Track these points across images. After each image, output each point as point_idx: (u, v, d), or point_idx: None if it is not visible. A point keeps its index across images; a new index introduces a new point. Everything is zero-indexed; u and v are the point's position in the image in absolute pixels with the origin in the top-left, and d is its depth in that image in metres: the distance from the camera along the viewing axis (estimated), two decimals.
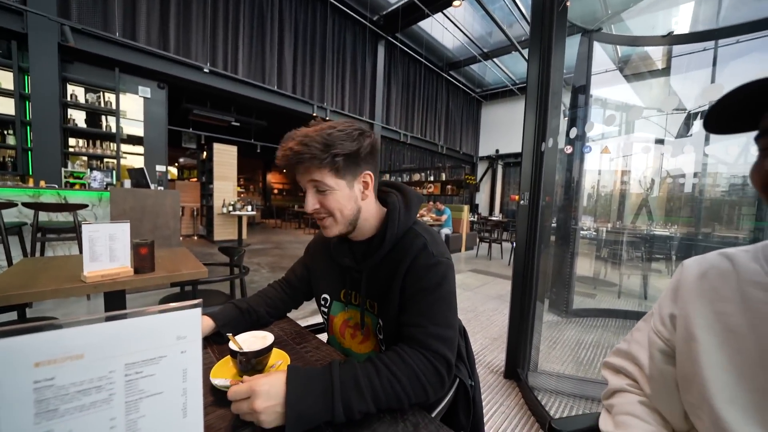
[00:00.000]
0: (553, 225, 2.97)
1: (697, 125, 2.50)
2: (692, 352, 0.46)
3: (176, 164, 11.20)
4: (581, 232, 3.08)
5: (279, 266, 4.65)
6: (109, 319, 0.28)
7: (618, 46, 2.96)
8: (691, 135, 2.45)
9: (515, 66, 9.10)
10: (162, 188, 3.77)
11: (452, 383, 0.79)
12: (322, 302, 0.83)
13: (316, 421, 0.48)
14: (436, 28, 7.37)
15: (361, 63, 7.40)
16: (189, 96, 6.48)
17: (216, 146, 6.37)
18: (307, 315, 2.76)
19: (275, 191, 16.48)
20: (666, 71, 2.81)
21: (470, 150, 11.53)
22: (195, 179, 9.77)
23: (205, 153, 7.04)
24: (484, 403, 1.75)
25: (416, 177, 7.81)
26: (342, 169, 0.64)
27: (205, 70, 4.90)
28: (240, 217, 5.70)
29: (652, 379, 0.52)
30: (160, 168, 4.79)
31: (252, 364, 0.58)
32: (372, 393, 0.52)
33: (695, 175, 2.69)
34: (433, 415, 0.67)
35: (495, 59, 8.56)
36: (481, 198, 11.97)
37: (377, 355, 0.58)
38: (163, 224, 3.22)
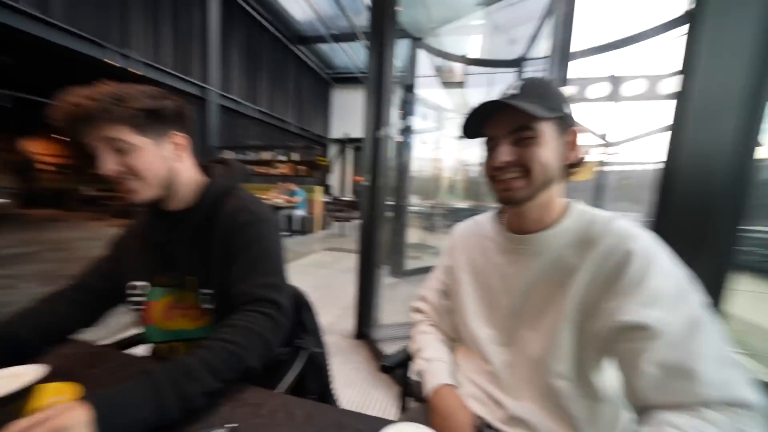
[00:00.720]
0: (389, 202, 3.48)
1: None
2: (457, 287, 0.70)
3: None
4: (410, 208, 3.76)
5: (61, 275, 3.27)
6: None
7: (434, 57, 3.66)
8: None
9: (362, 54, 9.63)
10: None
11: (299, 355, 0.82)
12: (138, 291, 0.71)
13: (141, 428, 0.43)
14: None
15: (186, 10, 5.89)
16: None
17: None
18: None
19: (49, 168, 11.17)
20: (464, 84, 3.75)
21: (321, 131, 11.61)
22: None
23: None
24: (338, 364, 1.92)
25: (265, 156, 7.17)
26: (144, 126, 0.59)
27: None
28: None
29: (435, 308, 0.78)
30: None
31: (10, 412, 0.39)
32: (208, 368, 0.50)
33: (480, 163, 3.79)
34: (281, 388, 0.69)
35: (344, 44, 8.76)
36: (334, 179, 12.43)
37: (214, 333, 0.56)
38: None
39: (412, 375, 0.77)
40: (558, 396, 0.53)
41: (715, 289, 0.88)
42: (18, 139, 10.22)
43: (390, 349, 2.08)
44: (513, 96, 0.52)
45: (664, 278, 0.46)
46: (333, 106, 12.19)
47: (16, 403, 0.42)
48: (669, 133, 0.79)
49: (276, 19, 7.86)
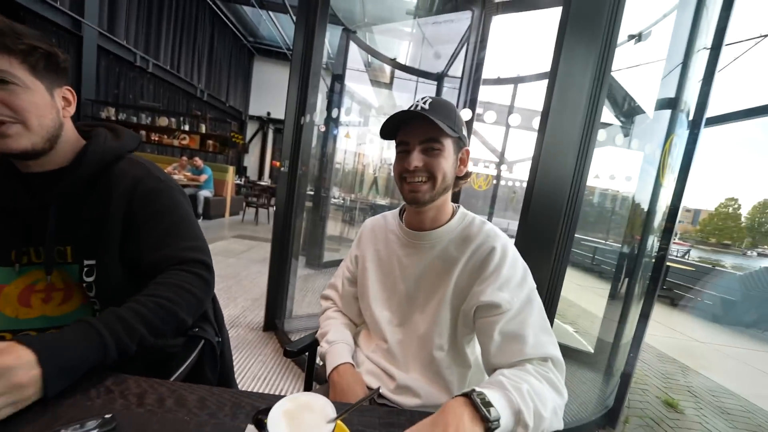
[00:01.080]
0: (309, 192, 3.41)
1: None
2: (364, 275, 0.79)
3: None
4: (331, 200, 3.76)
5: None
6: None
7: (366, 53, 3.72)
8: None
9: (290, 28, 8.98)
10: None
11: (196, 344, 0.77)
12: None
13: (84, 368, 0.45)
14: None
15: None
16: None
17: None
18: None
19: None
20: (391, 85, 3.91)
21: (239, 105, 10.43)
22: None
23: None
24: (245, 357, 1.82)
25: (163, 122, 6.03)
26: (38, 68, 0.54)
27: None
28: None
29: (343, 297, 0.85)
30: None
31: None
32: (141, 319, 0.52)
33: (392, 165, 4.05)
34: (172, 378, 0.64)
35: (271, 12, 8.00)
36: (250, 161, 11.36)
37: (138, 293, 0.56)
38: None
39: (318, 360, 0.83)
40: (438, 365, 0.66)
41: (556, 278, 1.19)
42: None
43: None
44: (426, 111, 0.60)
45: (512, 269, 0.61)
46: (254, 79, 11.06)
47: None
48: (531, 160, 1.04)
49: None
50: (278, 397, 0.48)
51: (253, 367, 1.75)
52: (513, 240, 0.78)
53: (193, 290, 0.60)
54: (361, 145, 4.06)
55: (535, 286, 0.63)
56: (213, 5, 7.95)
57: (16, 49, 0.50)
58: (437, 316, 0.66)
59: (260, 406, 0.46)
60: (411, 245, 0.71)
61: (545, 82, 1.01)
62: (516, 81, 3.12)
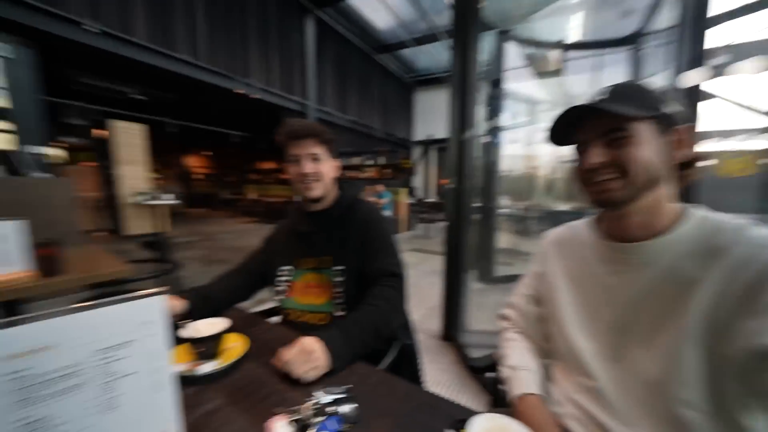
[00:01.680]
0: (476, 205, 3.36)
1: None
2: (552, 295, 0.67)
3: (62, 144, 9.09)
4: (499, 210, 3.55)
5: (213, 259, 4.31)
6: (75, 310, 0.31)
7: (525, 48, 3.38)
8: None
9: (444, 54, 9.55)
10: (46, 175, 3.12)
11: (393, 345, 0.92)
12: (285, 273, 0.96)
13: (347, 358, 0.66)
14: (367, 7, 7.26)
15: (290, 38, 6.94)
16: (71, 60, 5.26)
17: (117, 124, 5.40)
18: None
19: (199, 176, 14.71)
20: (562, 72, 3.33)
21: (405, 135, 11.92)
22: (92, 163, 8.14)
23: (104, 132, 5.90)
24: (425, 363, 1.99)
25: (354, 160, 7.85)
26: (330, 150, 0.92)
27: (89, 27, 4.03)
28: (158, 207, 5.04)
29: (523, 316, 0.76)
30: (35, 149, 3.87)
31: (209, 348, 0.61)
32: (374, 328, 0.73)
33: (571, 170, 3.32)
34: (379, 367, 0.80)
35: (425, 46, 8.86)
36: (418, 181, 12.60)
37: (364, 300, 0.79)
38: (54, 219, 2.70)
39: (501, 383, 0.78)
40: (686, 429, 0.47)
41: None
42: (180, 156, 13.77)
43: (478, 355, 2.03)
44: (603, 100, 0.50)
45: None
46: (416, 109, 12.38)
47: (216, 341, 0.64)
48: None
49: (361, 32, 8.47)
50: (470, 411, 0.50)
51: (435, 374, 1.87)
52: None
53: (396, 303, 0.81)
54: (530, 146, 3.65)
55: None
56: (379, 58, 9.66)
57: (324, 140, 0.89)
58: (675, 357, 0.48)
59: (455, 414, 0.49)
60: (616, 261, 0.57)
61: None
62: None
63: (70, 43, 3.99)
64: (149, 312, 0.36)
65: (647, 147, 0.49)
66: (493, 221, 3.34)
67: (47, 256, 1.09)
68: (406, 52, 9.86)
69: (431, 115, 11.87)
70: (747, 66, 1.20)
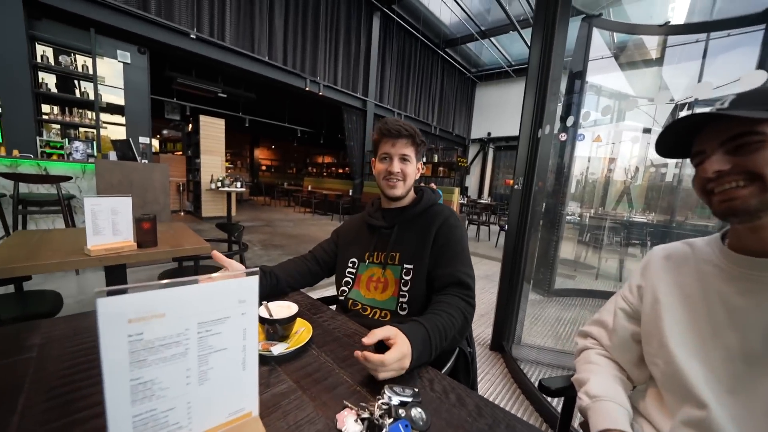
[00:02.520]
0: (541, 209, 3.08)
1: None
2: (656, 311, 0.59)
3: (158, 136, 10.70)
4: (568, 217, 3.21)
5: (271, 244, 4.65)
6: (183, 283, 0.32)
7: (615, 33, 2.97)
8: None
9: (512, 46, 8.94)
10: (147, 162, 3.65)
11: (454, 351, 0.88)
12: (350, 265, 0.98)
13: (424, 360, 0.63)
14: (434, 1, 7.10)
15: (356, 35, 7.12)
16: (172, 63, 6.11)
17: (203, 119, 6.11)
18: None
19: (263, 167, 16.07)
20: (659, 61, 2.86)
21: (462, 132, 11.50)
22: (179, 153, 9.41)
23: (190, 125, 6.75)
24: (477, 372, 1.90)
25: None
26: (418, 152, 0.95)
27: (192, 36, 4.61)
28: (229, 194, 5.60)
29: (613, 332, 0.67)
30: (143, 140, 4.59)
31: (281, 330, 0.63)
32: (445, 334, 0.69)
33: (677, 164, 2.81)
34: (443, 371, 0.78)
35: (492, 38, 8.38)
36: (471, 181, 12.10)
37: (436, 308, 0.75)
38: (153, 199, 3.15)
39: (576, 409, 0.68)
40: None
41: None
42: (250, 148, 15.11)
43: (532, 371, 1.87)
44: (726, 109, 0.46)
45: None
46: (476, 105, 11.87)
47: (290, 324, 0.66)
48: None
49: (426, 27, 8.34)
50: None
51: (484, 385, 1.76)
52: None
53: (467, 317, 0.77)
54: (611, 146, 3.22)
55: None
56: (442, 53, 9.40)
57: (416, 143, 0.93)
58: None
59: None
60: (748, 278, 0.49)
61: None
62: None
63: (175, 50, 4.62)
64: (245, 291, 0.36)
65: None
66: (560, 228, 3.03)
67: (146, 229, 1.25)
68: (471, 47, 9.47)
69: (491, 112, 11.29)
70: None
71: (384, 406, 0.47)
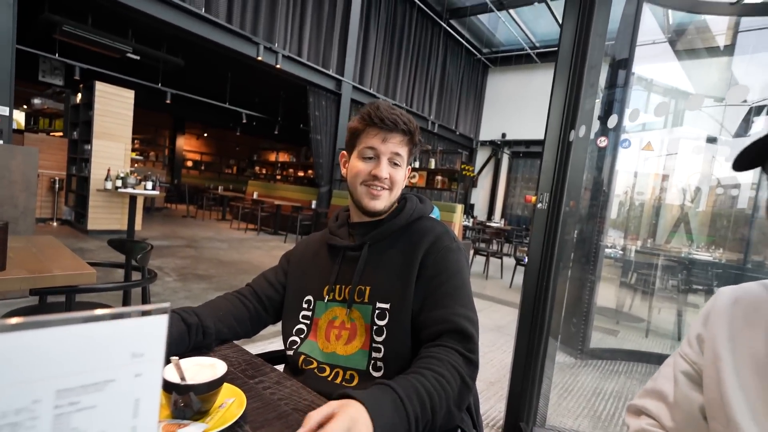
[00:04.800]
0: (572, 238, 3.18)
1: (761, 122, 2.76)
2: (718, 372, 0.60)
3: (25, 107, 10.22)
4: (606, 250, 3.33)
5: (193, 273, 4.47)
6: (31, 326, 0.28)
7: (671, 12, 3.21)
8: (750, 136, 2.72)
9: (536, 23, 9.48)
10: (3, 142, 3.46)
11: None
12: (305, 306, 0.95)
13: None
14: None
15: None
16: (55, 3, 5.94)
17: (100, 87, 5.97)
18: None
19: (188, 163, 15.72)
20: (729, 50, 3.10)
21: (469, 131, 11.89)
22: (58, 133, 9.01)
23: (80, 95, 6.54)
24: None
25: None
26: (410, 154, 0.95)
27: None
28: (133, 198, 5.39)
29: (676, 407, 0.67)
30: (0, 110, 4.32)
31: (196, 403, 0.57)
32: (430, 399, 0.66)
33: (753, 186, 2.99)
34: None
35: (512, 10, 8.87)
36: (479, 196, 12.41)
37: (418, 365, 0.73)
38: (6, 199, 2.96)
39: None
40: None
41: None
42: (171, 135, 14.82)
43: None
44: None
45: None
46: (488, 96, 12.34)
47: (211, 393, 0.60)
48: None
49: None
50: None
51: None
52: None
53: (467, 381, 0.74)
54: (665, 158, 3.40)
55: None
56: (447, 26, 9.83)
57: (413, 142, 0.93)
58: None
59: None
60: None
61: None
62: None
63: None
64: (144, 340, 0.32)
65: None
66: (596, 266, 3.12)
67: None
68: (483, 20, 9.97)
69: (507, 107, 11.78)
70: None
71: None
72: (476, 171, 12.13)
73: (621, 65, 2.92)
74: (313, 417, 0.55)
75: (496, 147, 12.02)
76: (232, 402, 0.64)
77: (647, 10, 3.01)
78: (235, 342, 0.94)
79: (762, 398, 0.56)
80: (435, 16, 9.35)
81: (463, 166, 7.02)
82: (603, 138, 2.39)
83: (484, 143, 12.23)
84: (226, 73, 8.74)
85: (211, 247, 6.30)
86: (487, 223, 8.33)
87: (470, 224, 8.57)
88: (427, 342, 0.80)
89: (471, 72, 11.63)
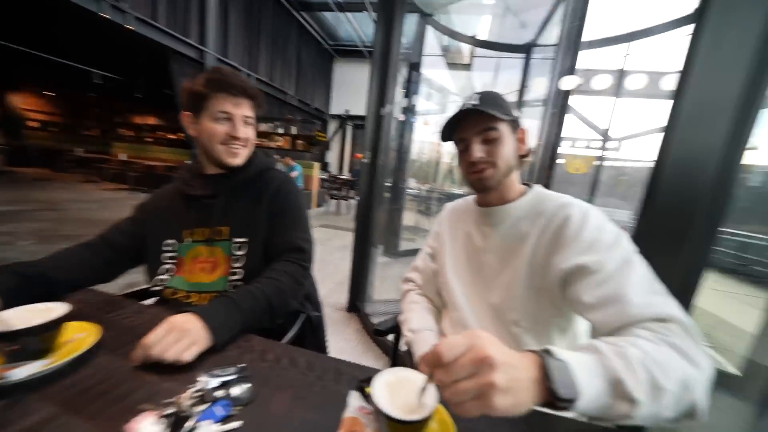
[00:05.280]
0: (387, 183, 3.49)
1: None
2: (442, 250, 0.80)
3: None
4: (408, 190, 3.78)
5: (58, 234, 3.27)
6: None
7: (443, 36, 3.55)
8: None
9: (367, 27, 9.26)
10: None
11: (298, 318, 0.88)
12: (166, 249, 0.81)
13: (232, 327, 0.59)
14: None
15: None
16: None
17: None
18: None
19: (34, 125, 10.79)
20: (469, 66, 3.66)
21: (322, 106, 11.31)
22: None
23: None
24: (330, 334, 2.01)
25: (263, 127, 7.01)
26: (257, 113, 0.85)
27: None
28: None
29: (423, 273, 0.86)
30: None
31: (34, 343, 0.44)
32: (266, 300, 0.66)
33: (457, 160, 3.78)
34: (283, 341, 0.76)
35: (349, 13, 8.39)
36: (332, 156, 12.28)
37: (262, 274, 0.72)
38: None
39: (402, 345, 0.83)
40: (517, 343, 0.63)
41: (688, 285, 0.94)
42: (5, 93, 9.78)
43: (380, 323, 2.17)
44: (476, 106, 0.62)
45: (597, 232, 0.55)
46: (335, 80, 11.82)
47: (48, 333, 0.47)
48: (663, 133, 0.82)
49: None
50: (375, 370, 0.51)
51: (339, 343, 1.91)
52: (631, 234, 0.69)
53: (299, 279, 0.75)
54: (438, 133, 3.93)
55: (637, 250, 0.53)
56: (299, 17, 8.73)
57: (259, 104, 0.84)
58: (510, 291, 0.64)
59: (359, 376, 0.49)
60: (482, 222, 0.73)
61: (679, 32, 0.78)
62: (630, 38, 2.52)
63: None
64: None
65: (508, 143, 0.64)
66: (402, 200, 3.53)
67: None
68: (329, 17, 9.15)
69: (350, 89, 11.52)
70: (598, 82, 1.54)
71: (196, 394, 0.41)
72: (330, 137, 11.86)
73: (414, 67, 3.13)
74: (149, 337, 0.50)
75: (343, 120, 11.87)
76: (83, 336, 0.51)
77: (431, 31, 3.24)
78: (95, 288, 0.74)
79: (453, 254, 0.76)
80: (289, 6, 8.16)
81: (317, 133, 6.74)
82: (401, 115, 2.59)
83: (333, 116, 11.90)
84: (70, 27, 6.01)
85: (78, 209, 4.69)
86: (339, 176, 8.39)
87: (326, 177, 8.51)
88: (275, 259, 0.78)
89: (321, 59, 10.82)
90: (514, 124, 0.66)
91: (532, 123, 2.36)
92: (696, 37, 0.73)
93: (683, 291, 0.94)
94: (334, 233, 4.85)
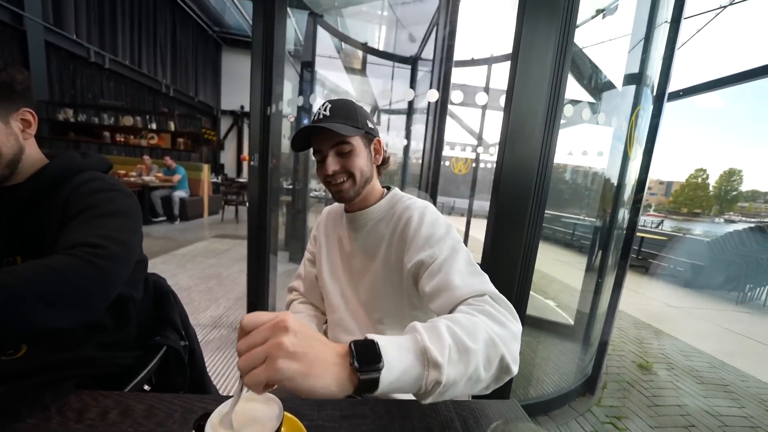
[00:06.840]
0: (288, 186, 3.32)
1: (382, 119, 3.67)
2: (320, 254, 0.80)
3: None
4: (312, 192, 3.68)
5: None
6: None
7: (336, 38, 3.58)
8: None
9: None
10: None
11: (156, 353, 0.74)
12: None
13: None
14: None
15: None
16: None
17: None
18: None
19: None
20: (364, 71, 3.79)
21: (210, 100, 9.99)
22: None
23: None
24: (227, 357, 1.80)
25: (128, 121, 5.70)
26: (23, 96, 0.59)
27: None
28: None
29: (305, 280, 0.86)
30: None
31: None
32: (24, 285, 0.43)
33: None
34: (127, 389, 0.65)
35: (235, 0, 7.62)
36: (227, 157, 11.00)
37: None
38: None
39: None
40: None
41: (529, 253, 1.20)
42: None
43: None
44: (327, 117, 0.63)
45: (431, 227, 0.62)
46: (224, 72, 10.59)
47: None
48: (499, 139, 1.03)
49: None
50: (221, 402, 0.46)
51: (234, 366, 1.72)
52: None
53: (69, 275, 0.48)
54: None
55: (461, 239, 0.63)
56: None
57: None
58: (373, 291, 0.69)
59: (210, 408, 0.43)
60: (349, 227, 0.76)
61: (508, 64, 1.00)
62: (489, 61, 3.09)
63: None
64: None
65: (362, 155, 0.66)
66: (304, 202, 3.42)
67: None
68: (212, 0, 8.09)
69: (243, 83, 10.45)
70: (456, 97, 1.81)
71: None
72: (222, 136, 10.57)
73: (307, 66, 3.07)
74: None
75: (237, 116, 10.74)
76: None
77: (326, 33, 3.22)
78: None
79: (327, 257, 0.77)
80: None
81: (204, 131, 5.90)
82: (292, 115, 2.49)
83: (225, 112, 10.65)
84: None
85: None
86: (236, 180, 7.54)
87: (220, 181, 7.56)
88: None
89: (205, 46, 9.52)
90: (368, 135, 0.68)
91: (420, 128, 2.62)
92: (512, 70, 0.94)
93: (526, 259, 1.21)
94: (232, 243, 4.36)
